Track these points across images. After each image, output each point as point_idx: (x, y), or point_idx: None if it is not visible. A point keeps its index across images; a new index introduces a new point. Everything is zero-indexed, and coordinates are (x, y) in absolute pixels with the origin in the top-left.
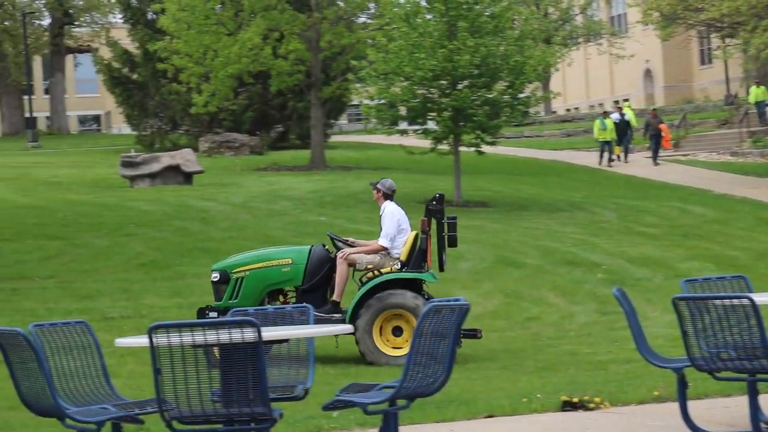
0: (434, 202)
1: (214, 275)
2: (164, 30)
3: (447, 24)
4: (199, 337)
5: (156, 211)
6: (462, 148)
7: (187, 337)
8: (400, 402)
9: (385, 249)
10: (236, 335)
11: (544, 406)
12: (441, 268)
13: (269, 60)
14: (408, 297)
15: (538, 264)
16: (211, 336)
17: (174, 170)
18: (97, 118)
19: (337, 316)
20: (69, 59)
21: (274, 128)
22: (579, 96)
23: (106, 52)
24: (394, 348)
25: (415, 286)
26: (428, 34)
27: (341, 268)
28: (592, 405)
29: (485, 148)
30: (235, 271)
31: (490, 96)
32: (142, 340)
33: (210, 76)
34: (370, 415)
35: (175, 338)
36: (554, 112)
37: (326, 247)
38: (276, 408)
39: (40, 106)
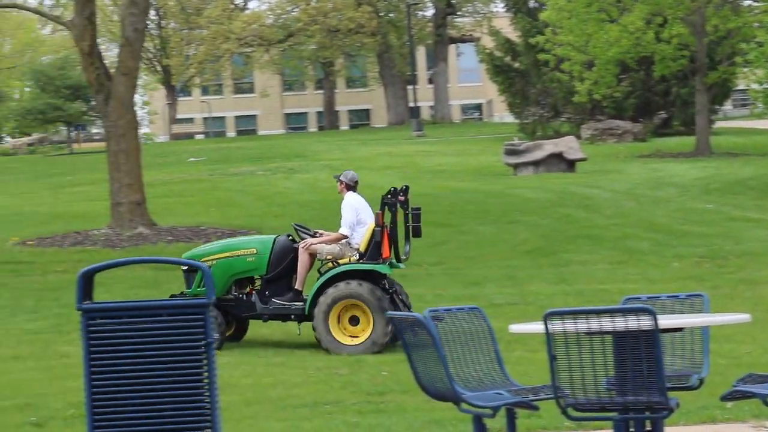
0: (389, 195)
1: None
2: (546, 21)
3: None
4: (595, 324)
5: (540, 198)
6: None
7: (582, 324)
8: None
9: (345, 237)
10: (632, 323)
11: None
12: (398, 259)
13: (652, 45)
14: (361, 287)
15: None
16: (607, 323)
17: (557, 158)
18: (478, 107)
19: (299, 304)
20: (451, 49)
21: (657, 114)
22: None
23: (488, 41)
24: (350, 337)
25: (374, 277)
26: None
27: (302, 258)
28: None
29: None
30: (202, 260)
31: None
32: (536, 327)
33: (593, 63)
34: None
35: (570, 325)
36: None
37: (291, 237)
38: (672, 397)
39: (423, 96)
